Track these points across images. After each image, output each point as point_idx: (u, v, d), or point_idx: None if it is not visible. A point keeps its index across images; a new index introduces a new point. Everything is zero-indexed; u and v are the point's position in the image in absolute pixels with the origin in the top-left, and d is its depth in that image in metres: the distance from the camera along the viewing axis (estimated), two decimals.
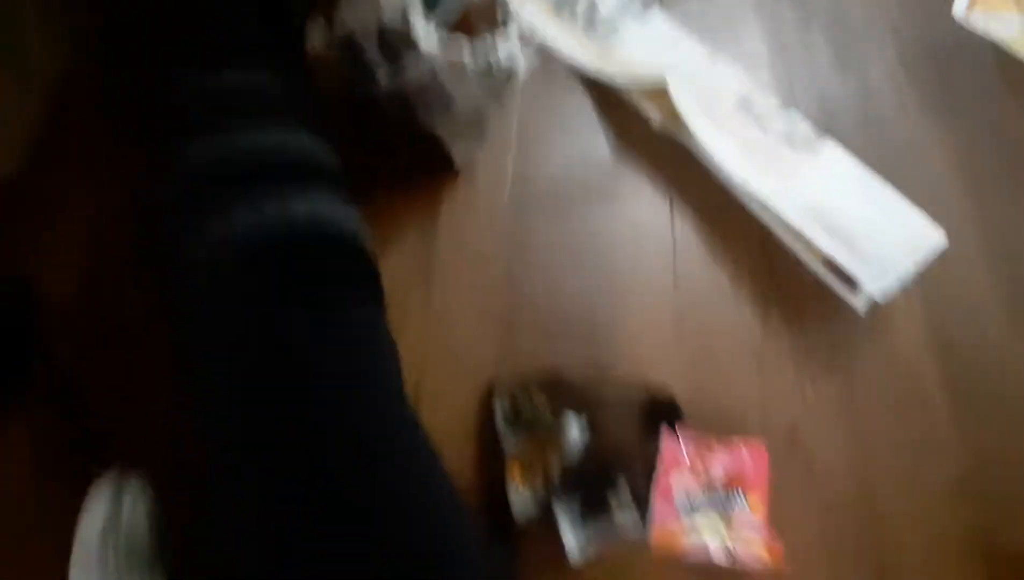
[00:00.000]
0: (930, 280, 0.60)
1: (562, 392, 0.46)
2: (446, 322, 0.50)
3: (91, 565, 0.28)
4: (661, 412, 0.44)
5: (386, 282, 0.50)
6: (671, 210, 0.61)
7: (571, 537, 0.42)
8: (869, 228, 0.53)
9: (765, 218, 0.61)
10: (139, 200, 0.45)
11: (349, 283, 0.37)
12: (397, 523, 0.31)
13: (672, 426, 0.44)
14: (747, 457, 0.48)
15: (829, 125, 0.66)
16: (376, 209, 0.54)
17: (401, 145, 0.57)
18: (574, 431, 0.44)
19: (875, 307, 0.58)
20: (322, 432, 0.31)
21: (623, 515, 0.44)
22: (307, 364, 0.33)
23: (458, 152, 0.53)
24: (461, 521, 0.35)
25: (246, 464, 0.31)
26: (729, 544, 0.43)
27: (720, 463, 0.47)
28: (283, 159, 0.40)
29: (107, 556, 0.29)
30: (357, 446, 0.32)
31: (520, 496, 0.42)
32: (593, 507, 0.43)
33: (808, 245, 0.59)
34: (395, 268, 0.52)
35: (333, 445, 0.32)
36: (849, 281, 0.58)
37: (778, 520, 0.46)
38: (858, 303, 0.58)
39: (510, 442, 0.45)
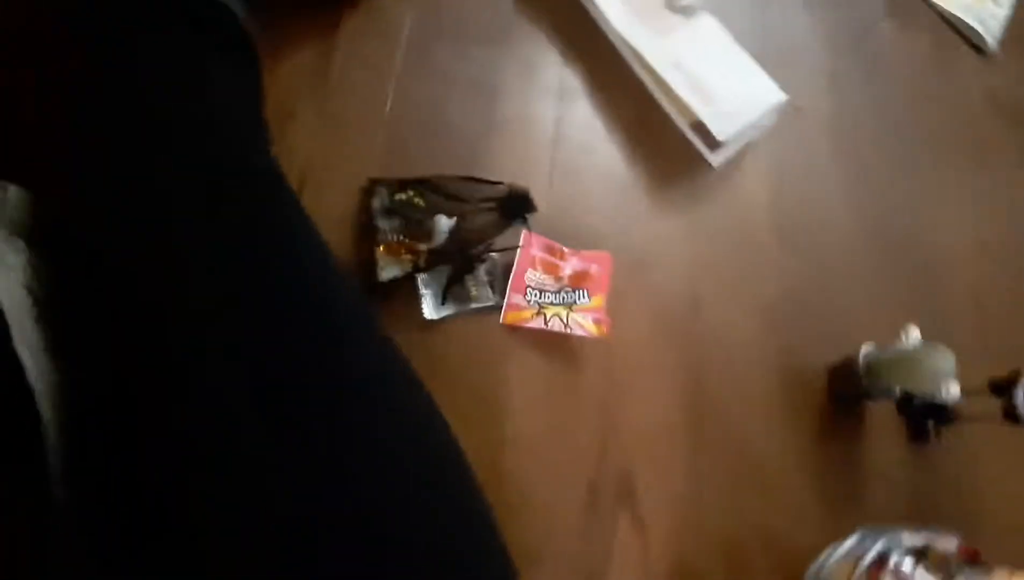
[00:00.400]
0: (779, 146, 0.69)
1: (434, 191, 0.51)
2: (335, 128, 0.55)
3: None
4: (517, 204, 0.51)
5: (279, 89, 0.54)
6: (562, 62, 0.66)
7: (430, 305, 0.49)
8: (725, 85, 0.60)
9: (645, 80, 0.67)
10: None
11: (223, 43, 0.39)
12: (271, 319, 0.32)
13: (526, 217, 0.50)
14: (595, 265, 0.56)
15: (716, 5, 0.73)
16: (271, 29, 0.56)
17: None
18: (442, 224, 0.51)
19: (730, 167, 0.67)
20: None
21: (478, 294, 0.51)
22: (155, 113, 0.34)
23: None
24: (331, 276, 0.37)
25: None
26: (567, 320, 0.51)
27: (570, 266, 0.55)
28: None
29: None
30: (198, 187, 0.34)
31: (387, 268, 0.48)
32: (452, 286, 0.50)
33: (680, 108, 0.66)
34: (287, 81, 0.55)
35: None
36: (710, 143, 0.66)
37: (614, 318, 0.55)
38: (715, 160, 0.66)
39: (384, 231, 0.50)
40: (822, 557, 0.49)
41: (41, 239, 0.34)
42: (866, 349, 0.61)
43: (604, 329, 0.51)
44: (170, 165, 0.35)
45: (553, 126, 0.63)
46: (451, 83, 0.60)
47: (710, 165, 0.66)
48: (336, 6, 0.58)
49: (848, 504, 0.58)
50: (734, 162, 0.68)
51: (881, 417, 0.62)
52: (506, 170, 0.59)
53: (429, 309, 0.49)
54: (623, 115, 0.66)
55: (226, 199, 0.34)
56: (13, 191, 0.34)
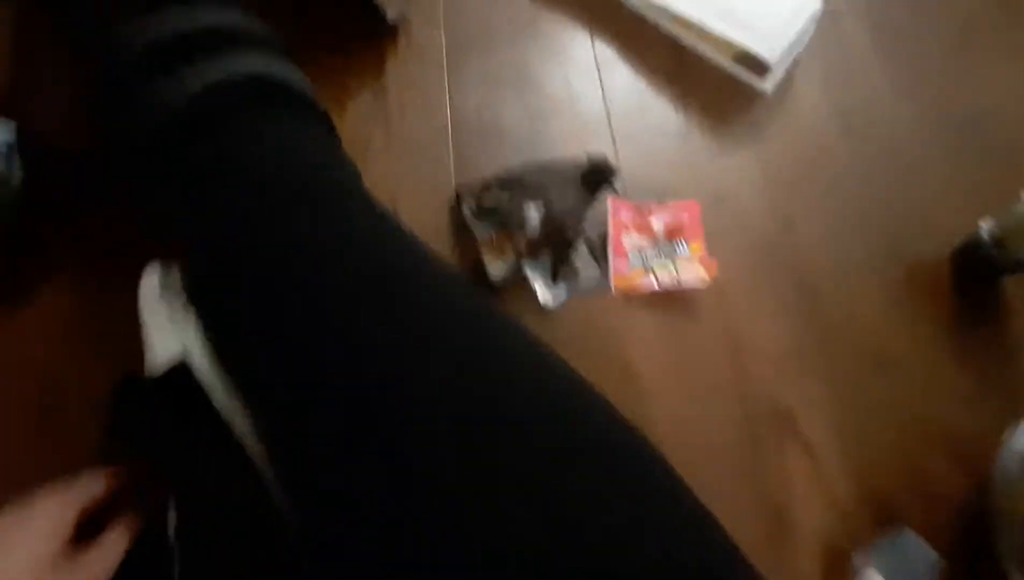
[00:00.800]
0: (824, 55, 0.68)
1: (515, 184, 0.53)
2: (407, 155, 0.57)
3: (157, 308, 0.35)
4: (598, 173, 0.52)
5: (348, 133, 0.57)
6: (591, 37, 0.67)
7: (544, 292, 0.51)
8: (758, 8, 0.60)
9: (674, 31, 0.67)
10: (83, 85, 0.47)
11: (292, 107, 0.41)
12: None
13: (610, 182, 0.51)
14: (683, 214, 0.56)
15: None
16: (328, 80, 0.59)
17: (338, 20, 0.62)
18: (532, 212, 0.52)
19: (781, 88, 0.66)
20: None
21: (585, 269, 0.52)
22: (262, 176, 0.36)
23: (390, 9, 0.59)
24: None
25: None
26: (675, 273, 0.51)
27: (661, 221, 0.55)
28: (218, 31, 0.43)
29: (168, 301, 0.35)
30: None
31: (494, 266, 0.50)
32: (559, 267, 0.51)
33: (717, 45, 0.66)
34: (354, 122, 0.58)
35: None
36: (757, 70, 0.66)
37: (715, 259, 0.55)
38: (765, 85, 0.65)
39: (480, 233, 0.52)
40: (1007, 442, 0.47)
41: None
42: (987, 222, 0.59)
43: (712, 271, 0.52)
44: (288, 225, 0.36)
45: (600, 98, 0.64)
46: (496, 86, 0.62)
47: (762, 92, 0.66)
48: (377, 44, 0.61)
49: (1008, 383, 0.56)
50: (785, 82, 0.67)
51: (1018, 289, 0.60)
52: (571, 149, 0.60)
53: (543, 296, 0.50)
54: (662, 70, 0.67)
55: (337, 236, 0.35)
56: (177, 269, 0.37)
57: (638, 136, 0.63)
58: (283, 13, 0.54)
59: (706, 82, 0.67)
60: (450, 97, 0.60)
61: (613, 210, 0.54)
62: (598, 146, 0.61)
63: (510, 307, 0.51)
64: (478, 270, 0.51)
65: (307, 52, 0.48)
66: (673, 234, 0.55)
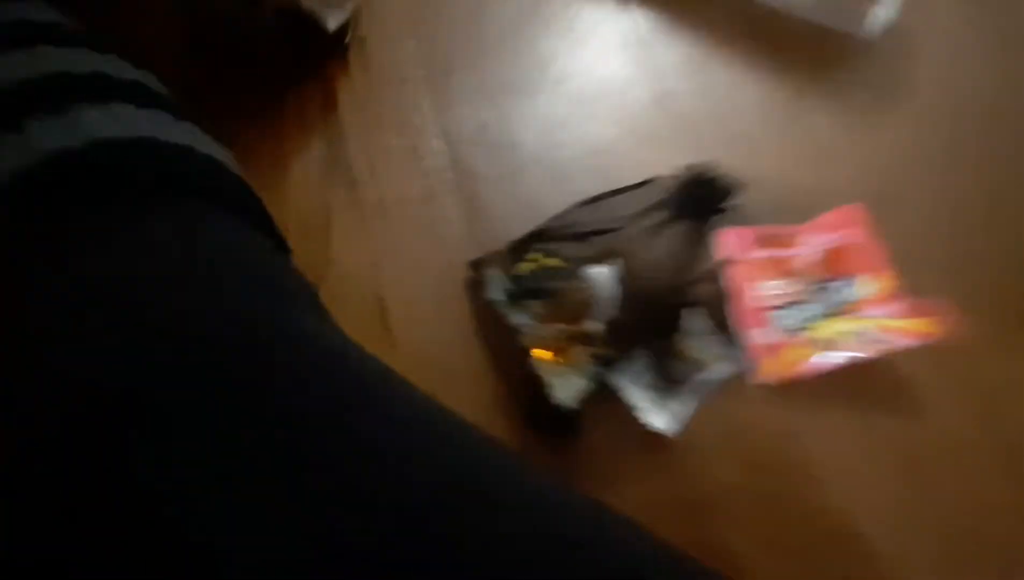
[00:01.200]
0: None
1: (565, 238, 0.33)
2: (390, 222, 0.37)
3: None
4: (705, 194, 0.31)
5: (296, 207, 0.39)
6: (615, 7, 0.48)
7: (652, 411, 0.30)
8: None
9: None
10: None
11: (195, 190, 0.25)
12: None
13: (726, 208, 0.31)
14: (843, 229, 0.35)
15: None
16: (270, 128, 0.41)
17: (264, 50, 0.44)
18: (600, 277, 0.32)
19: (895, 25, 0.46)
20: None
21: (708, 357, 0.31)
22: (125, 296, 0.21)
23: (331, 16, 0.41)
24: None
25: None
26: (869, 334, 0.30)
27: (810, 248, 0.34)
28: (66, 76, 0.28)
29: None
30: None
31: (559, 381, 0.29)
32: (665, 363, 0.31)
33: None
34: (303, 187, 0.39)
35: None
36: (853, 6, 0.46)
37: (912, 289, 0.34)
38: (873, 25, 0.45)
39: (523, 324, 0.32)
40: None
41: None
42: None
43: (944, 320, 0.30)
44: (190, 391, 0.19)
45: (649, 86, 0.44)
46: (502, 96, 0.43)
47: (878, 27, 0.46)
48: (319, 72, 0.43)
49: None
50: (907, 6, 0.47)
51: None
52: (631, 162, 0.40)
53: (655, 417, 0.29)
54: (728, 32, 0.47)
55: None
56: None
57: (719, 126, 0.43)
58: (178, 50, 0.38)
59: (791, 43, 0.46)
60: (442, 129, 0.41)
61: (728, 249, 0.34)
62: (660, 153, 0.41)
63: (598, 443, 0.31)
64: (534, 393, 0.30)
65: (221, 99, 0.31)
66: (837, 266, 0.34)
